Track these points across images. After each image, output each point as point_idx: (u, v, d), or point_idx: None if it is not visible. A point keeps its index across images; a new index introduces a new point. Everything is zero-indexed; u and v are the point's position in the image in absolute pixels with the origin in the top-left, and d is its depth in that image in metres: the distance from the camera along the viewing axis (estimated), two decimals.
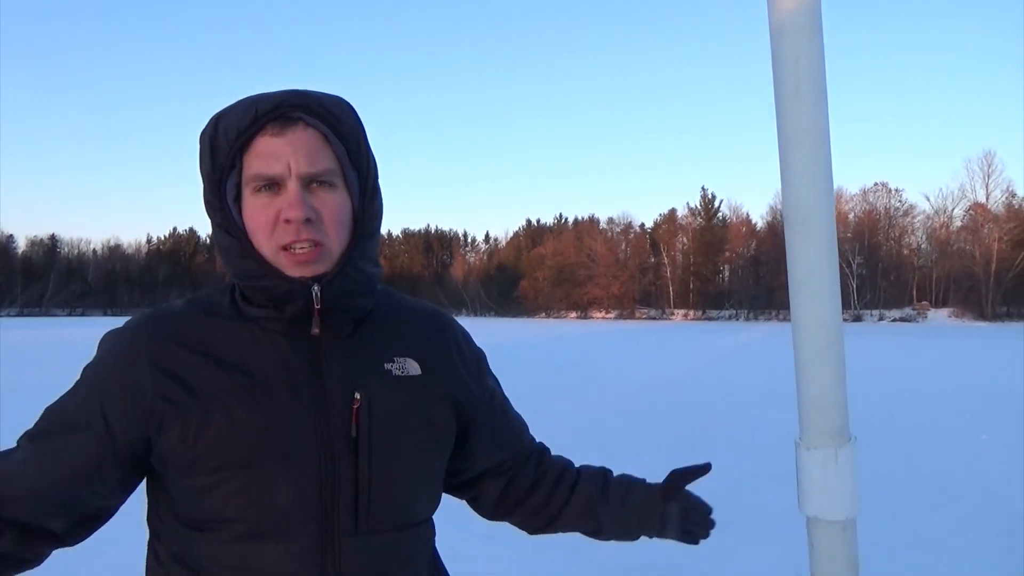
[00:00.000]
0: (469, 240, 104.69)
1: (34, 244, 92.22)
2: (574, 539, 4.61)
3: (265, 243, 0.92)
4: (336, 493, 0.93)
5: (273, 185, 0.91)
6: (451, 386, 1.06)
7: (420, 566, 1.05)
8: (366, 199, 0.96)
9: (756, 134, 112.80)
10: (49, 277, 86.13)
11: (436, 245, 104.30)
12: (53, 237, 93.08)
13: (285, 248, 0.91)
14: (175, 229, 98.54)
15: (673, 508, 1.25)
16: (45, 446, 0.93)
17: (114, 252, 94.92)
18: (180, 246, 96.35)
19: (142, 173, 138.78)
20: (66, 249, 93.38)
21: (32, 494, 0.91)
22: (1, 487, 0.91)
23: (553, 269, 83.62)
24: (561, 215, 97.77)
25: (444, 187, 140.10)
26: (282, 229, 0.91)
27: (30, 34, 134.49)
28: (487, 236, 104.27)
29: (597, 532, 1.26)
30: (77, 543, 0.98)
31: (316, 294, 0.92)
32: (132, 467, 0.95)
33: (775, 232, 72.16)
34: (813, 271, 1.01)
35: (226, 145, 0.92)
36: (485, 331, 42.27)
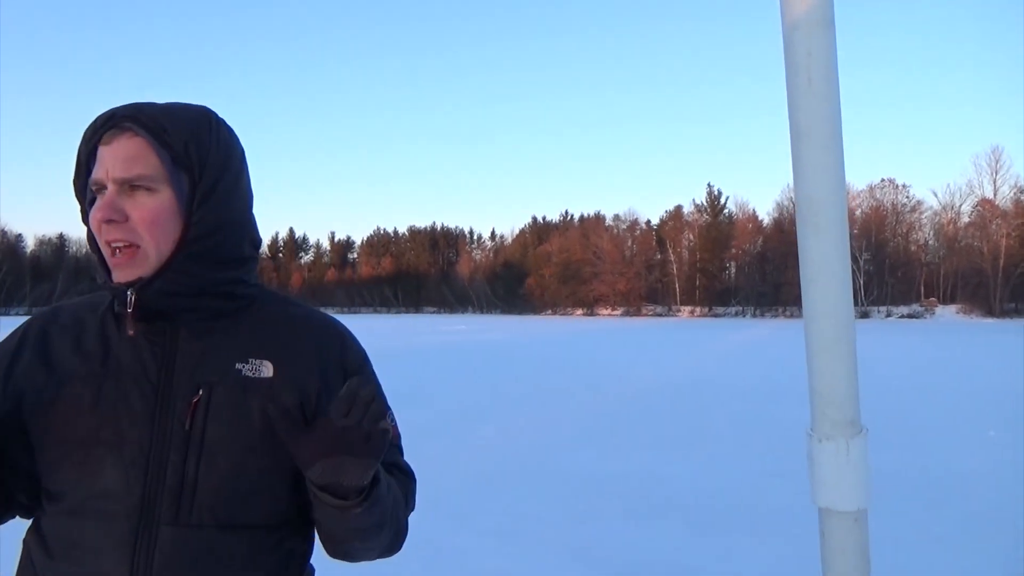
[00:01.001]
0: (475, 237, 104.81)
1: (43, 243, 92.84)
2: (580, 536, 4.60)
3: (99, 243, 1.01)
4: (160, 482, 0.97)
5: (102, 189, 0.99)
6: (303, 395, 1.04)
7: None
8: (194, 203, 1.00)
9: (763, 130, 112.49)
10: (58, 276, 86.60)
11: (442, 242, 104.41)
12: (61, 236, 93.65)
13: (110, 248, 0.99)
14: None
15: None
16: None
17: None
18: None
19: None
20: (74, 248, 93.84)
21: None
22: None
23: (559, 266, 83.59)
24: (567, 212, 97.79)
25: (450, 184, 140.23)
26: (103, 229, 0.98)
27: (35, 35, 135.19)
28: (493, 233, 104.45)
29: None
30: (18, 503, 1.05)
31: (130, 298, 0.98)
32: (18, 433, 1.02)
33: (781, 229, 71.98)
34: (825, 264, 1.01)
35: (80, 155, 1.03)
36: (491, 328, 42.28)
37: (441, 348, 23.35)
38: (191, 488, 0.98)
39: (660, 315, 75.75)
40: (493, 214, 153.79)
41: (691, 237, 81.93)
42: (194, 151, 1.00)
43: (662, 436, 8.16)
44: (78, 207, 1.06)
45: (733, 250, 77.61)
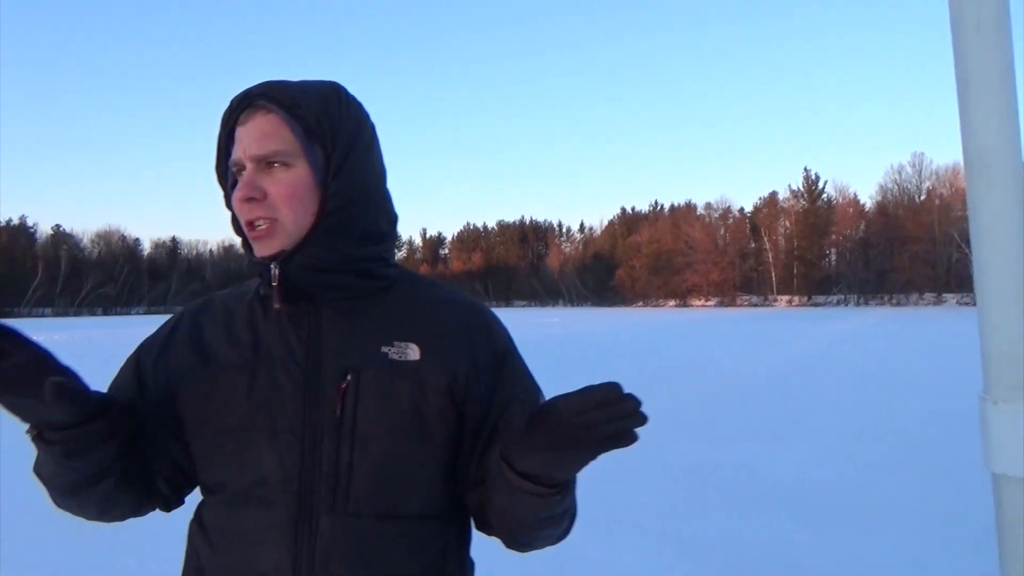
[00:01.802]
0: (564, 230, 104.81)
1: (158, 246, 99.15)
2: (684, 528, 4.55)
3: (242, 224, 1.01)
4: (316, 470, 0.96)
5: (242, 169, 0.99)
6: (451, 377, 1.01)
7: (412, 569, 0.99)
8: (329, 175, 0.99)
9: (863, 111, 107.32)
10: (172, 277, 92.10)
11: (531, 236, 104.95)
12: (174, 239, 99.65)
13: (252, 227, 0.99)
14: None
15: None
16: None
17: (228, 252, 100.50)
18: None
19: None
20: (186, 250, 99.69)
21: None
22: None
23: (650, 257, 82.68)
24: (656, 202, 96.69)
25: (538, 178, 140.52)
26: (244, 209, 0.98)
27: (139, 55, 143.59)
28: (582, 225, 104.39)
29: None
30: (169, 496, 1.06)
31: (274, 272, 0.98)
32: (167, 420, 1.03)
33: (886, 212, 68.70)
34: (998, 218, 0.96)
35: (220, 139, 1.02)
36: (582, 321, 42.25)
37: (537, 341, 23.49)
38: (346, 476, 0.97)
39: (756, 305, 73.76)
40: (582, 206, 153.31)
41: (787, 224, 79.35)
42: (326, 123, 0.99)
43: (764, 427, 7.98)
44: (221, 193, 1.05)
45: (833, 236, 74.70)
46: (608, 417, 0.84)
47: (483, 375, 1.04)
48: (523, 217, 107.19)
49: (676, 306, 77.47)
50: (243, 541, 0.97)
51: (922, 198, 69.64)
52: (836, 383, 11.67)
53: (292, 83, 1.02)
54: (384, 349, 1.00)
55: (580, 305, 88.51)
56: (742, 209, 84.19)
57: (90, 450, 0.92)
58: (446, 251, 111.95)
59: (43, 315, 76.76)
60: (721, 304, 75.92)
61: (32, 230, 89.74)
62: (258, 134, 0.98)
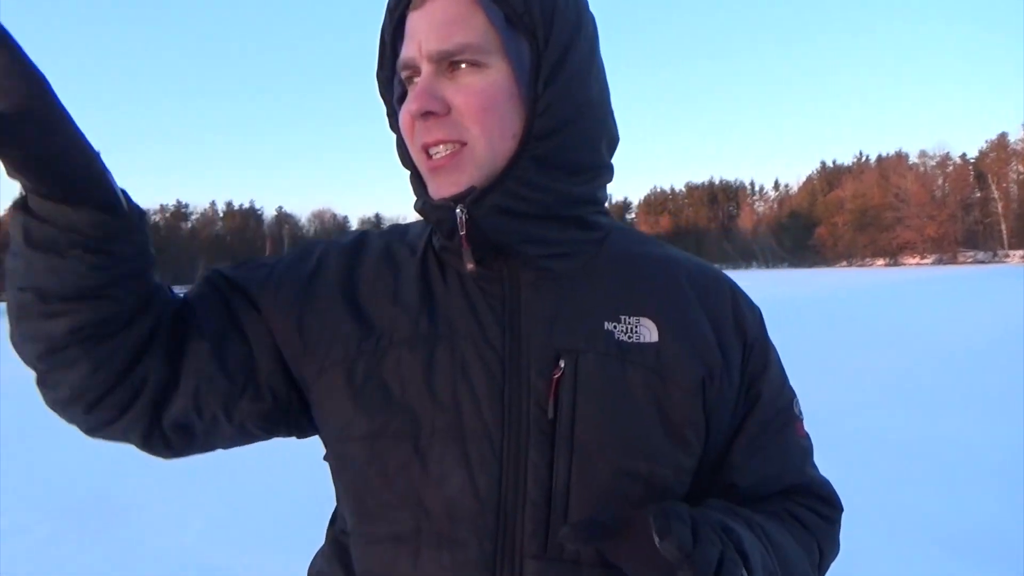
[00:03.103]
0: (757, 189, 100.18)
1: (363, 223, 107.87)
2: (886, 502, 4.46)
3: (411, 150, 0.74)
4: (520, 494, 0.69)
5: (414, 75, 0.72)
6: (703, 367, 0.75)
7: None
8: (539, 82, 0.70)
9: None
10: None
11: (721, 196, 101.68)
12: (377, 215, 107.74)
13: (426, 155, 0.72)
14: None
15: None
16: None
17: None
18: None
19: None
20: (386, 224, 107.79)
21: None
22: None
23: (854, 213, 76.96)
24: (861, 153, 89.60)
25: (727, 136, 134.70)
26: (417, 129, 0.71)
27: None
28: (776, 183, 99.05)
29: None
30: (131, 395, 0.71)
31: (460, 218, 0.70)
32: (271, 384, 0.76)
33: None
34: None
35: (383, 34, 0.75)
36: (780, 282, 40.28)
37: None
38: (562, 505, 0.70)
39: (982, 262, 66.23)
40: (776, 163, 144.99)
41: (1021, 169, 70.14)
42: (536, 7, 0.69)
43: (979, 398, 7.39)
44: (384, 109, 0.78)
45: None
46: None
47: (732, 373, 0.78)
48: (712, 177, 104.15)
49: (886, 265, 71.60)
50: None
51: None
52: None
53: None
54: (609, 325, 0.74)
55: (776, 267, 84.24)
56: (964, 155, 75.72)
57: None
58: (632, 215, 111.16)
59: None
60: (939, 262, 69.08)
61: (259, 213, 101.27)
62: (440, 21, 0.69)
